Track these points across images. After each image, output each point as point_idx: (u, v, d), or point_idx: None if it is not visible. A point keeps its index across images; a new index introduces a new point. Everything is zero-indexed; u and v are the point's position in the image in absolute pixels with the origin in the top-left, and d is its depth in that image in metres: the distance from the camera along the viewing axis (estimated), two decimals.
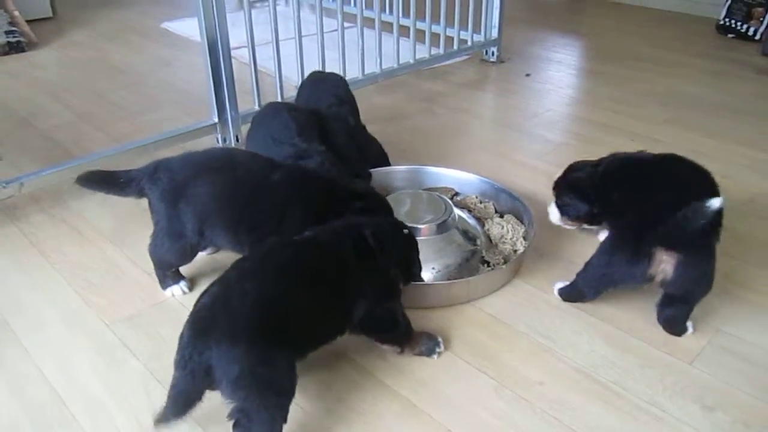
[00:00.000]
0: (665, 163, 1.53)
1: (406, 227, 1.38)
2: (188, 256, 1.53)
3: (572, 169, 1.64)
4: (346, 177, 1.65)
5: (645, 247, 1.34)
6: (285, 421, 1.11)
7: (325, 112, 1.93)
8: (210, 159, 1.52)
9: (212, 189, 1.45)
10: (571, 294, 1.53)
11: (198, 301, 1.16)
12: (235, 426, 1.08)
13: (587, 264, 1.47)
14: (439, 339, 1.39)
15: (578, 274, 1.50)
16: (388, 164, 2.04)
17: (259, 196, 1.47)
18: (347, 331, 1.26)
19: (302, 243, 1.27)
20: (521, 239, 1.72)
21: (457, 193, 1.97)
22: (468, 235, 1.70)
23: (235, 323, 1.07)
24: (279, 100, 2.37)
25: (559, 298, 1.55)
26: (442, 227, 1.64)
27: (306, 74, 2.28)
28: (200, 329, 1.08)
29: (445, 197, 1.76)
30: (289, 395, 1.11)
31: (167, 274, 1.57)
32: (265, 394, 1.07)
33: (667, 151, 1.56)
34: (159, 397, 1.29)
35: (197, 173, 1.47)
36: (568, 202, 1.61)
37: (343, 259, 1.24)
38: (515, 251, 1.69)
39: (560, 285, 1.56)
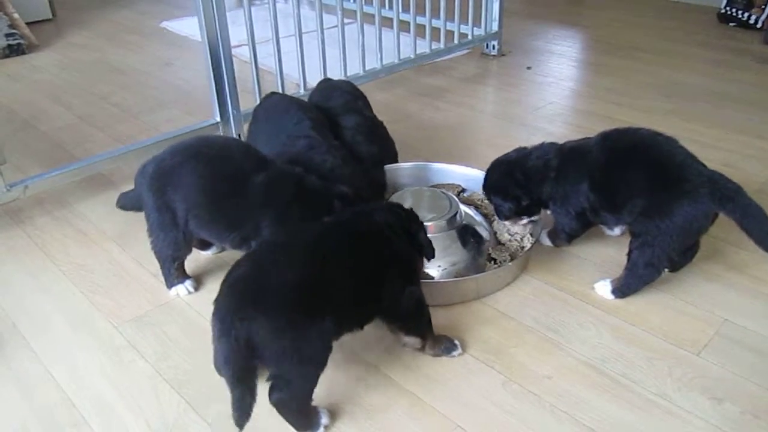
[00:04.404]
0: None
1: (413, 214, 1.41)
2: (183, 247, 1.53)
3: (490, 171, 1.67)
4: (350, 177, 1.63)
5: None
6: (316, 386, 1.17)
7: (341, 108, 1.92)
8: (202, 145, 1.51)
9: (196, 180, 1.46)
10: (637, 285, 1.51)
11: (231, 272, 1.17)
12: (273, 388, 1.13)
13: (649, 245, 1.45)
14: (457, 342, 1.38)
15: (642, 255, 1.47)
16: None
17: (238, 197, 1.47)
18: (375, 315, 1.29)
19: (328, 224, 1.32)
20: (528, 236, 1.72)
21: (463, 190, 1.96)
22: (470, 234, 1.68)
23: (275, 298, 1.10)
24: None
25: (613, 297, 1.52)
26: (450, 224, 1.64)
27: (307, 71, 2.26)
28: (241, 301, 1.10)
29: (451, 194, 1.75)
30: (323, 366, 1.17)
31: (172, 272, 1.57)
32: (304, 366, 1.13)
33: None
34: (167, 397, 1.29)
35: (185, 159, 1.47)
36: (498, 203, 1.64)
37: (369, 239, 1.28)
38: (522, 248, 1.69)
39: (607, 285, 1.54)
